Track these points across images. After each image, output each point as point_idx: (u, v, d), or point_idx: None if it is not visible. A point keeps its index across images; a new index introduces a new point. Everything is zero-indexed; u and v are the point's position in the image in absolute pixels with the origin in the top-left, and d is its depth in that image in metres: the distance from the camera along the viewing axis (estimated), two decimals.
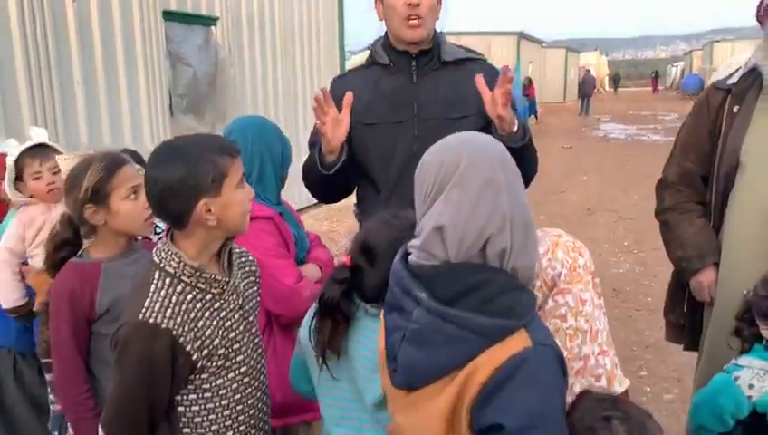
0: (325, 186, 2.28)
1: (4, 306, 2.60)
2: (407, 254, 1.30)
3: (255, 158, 2.19)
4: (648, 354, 4.41)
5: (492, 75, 2.15)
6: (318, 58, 9.27)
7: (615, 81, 51.43)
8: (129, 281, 1.69)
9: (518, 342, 1.13)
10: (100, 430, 1.58)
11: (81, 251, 1.97)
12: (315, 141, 2.27)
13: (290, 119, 8.35)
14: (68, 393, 1.88)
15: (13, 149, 2.57)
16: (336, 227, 7.95)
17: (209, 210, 1.49)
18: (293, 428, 2.26)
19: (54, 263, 1.98)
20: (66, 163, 2.12)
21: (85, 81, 5.14)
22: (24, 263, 2.62)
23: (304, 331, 1.60)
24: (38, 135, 2.58)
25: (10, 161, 2.52)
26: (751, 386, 1.85)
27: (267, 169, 2.22)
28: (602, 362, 1.56)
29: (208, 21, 6.90)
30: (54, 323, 1.87)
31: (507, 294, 1.17)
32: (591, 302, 1.56)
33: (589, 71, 31.17)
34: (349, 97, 2.12)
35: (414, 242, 1.28)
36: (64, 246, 1.98)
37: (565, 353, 1.53)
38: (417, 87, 2.23)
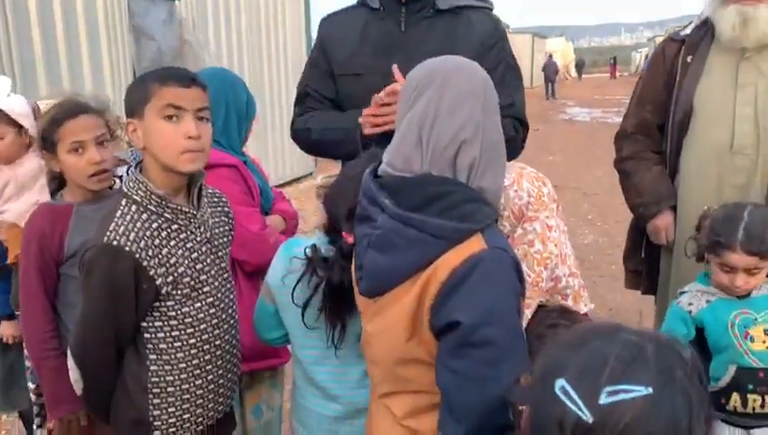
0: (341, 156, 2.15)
1: None
2: (376, 168, 1.33)
3: (220, 106, 2.16)
4: (609, 316, 4.53)
5: (491, 26, 2.06)
6: (284, 34, 9.21)
7: (579, 67, 51.89)
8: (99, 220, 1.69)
9: (475, 244, 1.17)
10: (69, 357, 1.60)
11: (57, 194, 1.98)
12: (308, 92, 2.19)
13: (257, 97, 8.28)
14: (32, 332, 1.89)
15: None
16: (305, 204, 7.95)
17: (134, 130, 1.53)
18: (259, 373, 2.28)
19: (52, 193, 1.99)
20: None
21: (46, 57, 5.04)
22: None
23: (278, 285, 1.64)
24: (2, 84, 2.54)
25: None
26: (690, 304, 1.97)
27: (232, 118, 2.21)
28: (572, 284, 1.63)
29: None
30: (23, 262, 1.89)
31: (469, 203, 1.21)
32: (557, 227, 1.62)
33: (551, 56, 31.49)
34: (376, 99, 1.90)
35: (388, 148, 1.31)
36: (54, 179, 1.98)
37: (532, 276, 1.60)
38: (405, 36, 2.05)
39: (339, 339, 1.57)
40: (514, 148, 2.02)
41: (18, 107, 2.49)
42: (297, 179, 9.40)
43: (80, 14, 5.36)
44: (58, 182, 2.00)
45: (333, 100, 2.16)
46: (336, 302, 1.55)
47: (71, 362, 1.61)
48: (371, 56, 2.05)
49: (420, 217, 1.18)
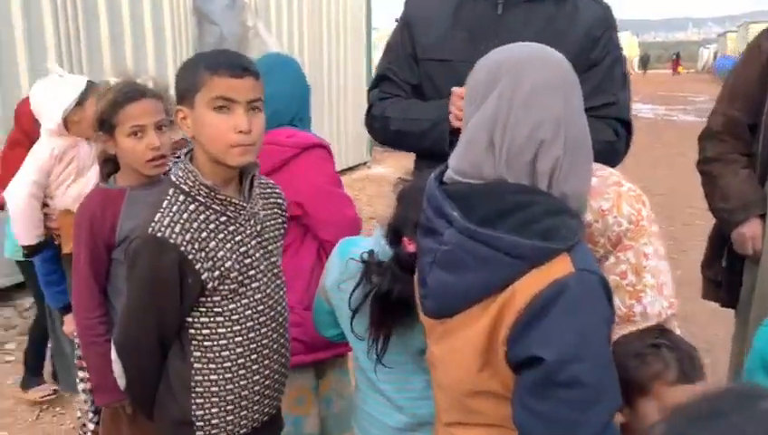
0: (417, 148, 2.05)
1: (24, 242, 2.55)
2: (442, 172, 1.20)
3: (295, 92, 2.09)
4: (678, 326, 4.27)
5: (600, 13, 1.87)
6: (345, 21, 9.12)
7: (644, 62, 50.22)
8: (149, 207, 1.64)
9: (560, 266, 1.02)
10: (112, 349, 1.54)
11: (110, 177, 1.95)
12: (388, 76, 2.06)
13: (316, 85, 8.24)
14: (80, 316, 1.86)
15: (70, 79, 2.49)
16: (359, 194, 7.88)
17: (184, 118, 1.45)
18: (326, 362, 2.17)
19: (104, 177, 1.97)
20: None
21: (112, 36, 5.08)
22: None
23: (333, 287, 1.54)
24: (57, 68, 2.53)
25: (76, 86, 2.43)
26: None
27: (305, 104, 2.13)
28: (668, 314, 1.44)
29: None
30: (75, 245, 1.86)
31: (552, 216, 1.05)
32: (655, 253, 1.45)
33: None
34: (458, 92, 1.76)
35: (453, 153, 1.18)
36: (108, 161, 1.95)
37: (623, 310, 1.43)
38: (501, 20, 1.85)
39: (381, 352, 1.44)
40: (615, 153, 1.86)
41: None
42: (351, 168, 9.32)
43: None
44: (112, 165, 1.96)
45: (416, 86, 2.00)
46: (383, 312, 1.42)
47: (114, 356, 1.55)
48: (463, 41, 1.87)
49: (494, 232, 1.04)
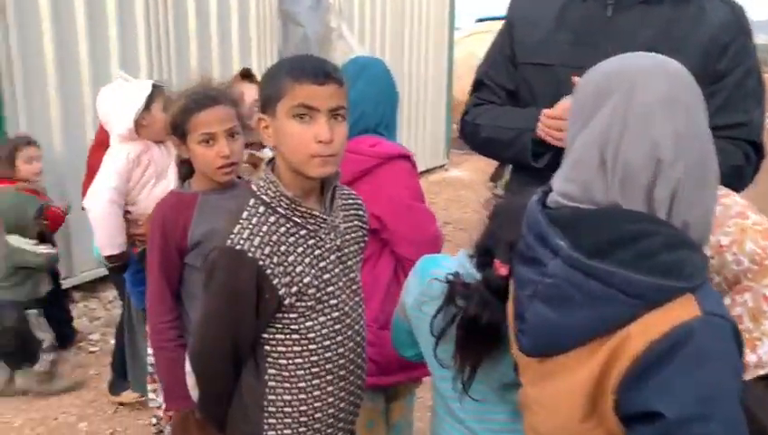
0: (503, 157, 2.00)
1: (107, 252, 2.54)
2: (545, 194, 1.08)
3: (381, 97, 2.03)
4: None
5: (729, 17, 1.68)
6: (428, 23, 9.02)
7: None
8: (226, 215, 1.60)
9: (684, 309, 0.90)
10: (186, 361, 1.51)
11: (185, 181, 1.95)
12: (484, 81, 1.98)
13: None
14: (152, 320, 1.86)
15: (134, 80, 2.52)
16: (436, 198, 7.77)
17: (266, 127, 1.40)
18: (401, 387, 2.09)
19: (181, 178, 1.98)
20: None
21: (199, 35, 5.18)
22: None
23: (413, 308, 1.46)
24: (123, 73, 2.55)
25: (142, 90, 2.44)
26: None
27: (389, 109, 2.06)
28: None
29: None
30: (149, 249, 1.87)
31: (674, 250, 0.93)
32: None
33: None
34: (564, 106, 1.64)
35: (558, 173, 1.06)
36: (183, 164, 1.95)
37: None
38: (611, 23, 1.70)
39: (468, 383, 1.34)
40: (742, 178, 1.69)
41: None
42: (428, 171, 9.21)
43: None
44: (187, 169, 1.96)
45: (512, 91, 1.90)
46: (470, 339, 1.32)
47: (188, 367, 1.52)
48: (566, 44, 1.75)
49: (608, 266, 0.92)
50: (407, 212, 1.93)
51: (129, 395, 3.29)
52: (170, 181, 2.48)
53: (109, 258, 2.55)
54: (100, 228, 2.49)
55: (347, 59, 6.12)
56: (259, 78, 5.60)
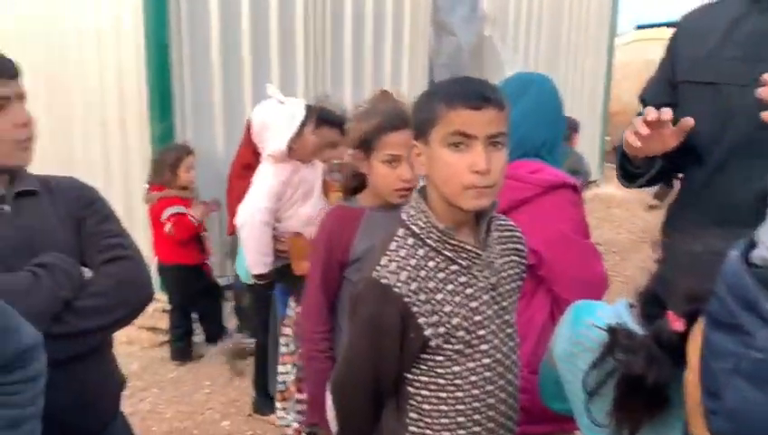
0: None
1: (256, 271, 2.59)
2: (748, 248, 0.90)
3: (542, 118, 1.89)
4: None
5: None
6: (587, 35, 8.60)
7: None
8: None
9: None
10: (327, 394, 1.47)
11: (353, 196, 1.97)
12: (643, 101, 1.85)
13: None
14: (307, 329, 1.88)
15: (287, 100, 2.55)
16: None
17: (419, 155, 1.32)
18: None
19: (347, 189, 1.99)
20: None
21: (355, 43, 5.25)
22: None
23: (563, 358, 1.31)
24: (278, 93, 2.57)
25: (295, 114, 2.48)
26: None
27: (553, 132, 1.92)
28: None
29: None
30: (312, 259, 1.89)
31: None
32: None
33: None
34: (687, 123, 1.57)
35: (766, 226, 0.88)
36: (356, 176, 1.95)
37: None
38: None
39: None
40: None
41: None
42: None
43: (388, 4, 5.47)
44: (357, 183, 1.95)
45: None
46: (631, 400, 1.14)
47: (329, 401, 1.47)
48: (733, 61, 1.60)
49: None
50: (568, 248, 1.77)
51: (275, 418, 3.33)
52: (317, 199, 2.50)
53: (257, 277, 2.59)
54: (250, 248, 2.54)
55: (501, 69, 5.98)
56: (408, 91, 5.68)
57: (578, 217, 1.83)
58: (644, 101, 1.84)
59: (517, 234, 1.49)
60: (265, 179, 2.53)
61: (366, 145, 1.82)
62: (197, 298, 4.05)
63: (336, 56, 5.16)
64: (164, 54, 4.02)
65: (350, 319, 1.38)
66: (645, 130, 1.58)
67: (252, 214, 2.49)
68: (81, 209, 1.53)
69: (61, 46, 4.42)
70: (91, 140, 4.46)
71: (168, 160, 3.71)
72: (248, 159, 3.03)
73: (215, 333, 4.23)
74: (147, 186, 3.82)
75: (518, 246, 1.48)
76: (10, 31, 4.52)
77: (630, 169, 1.80)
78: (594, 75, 8.77)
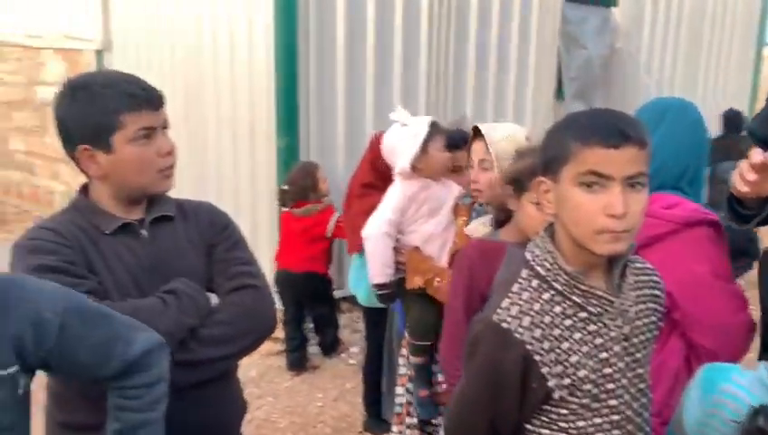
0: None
1: (375, 281, 2.62)
2: None
3: (683, 148, 1.76)
4: None
5: None
6: (728, 54, 7.97)
7: None
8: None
9: None
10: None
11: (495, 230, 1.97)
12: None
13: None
14: (447, 356, 1.90)
15: (412, 120, 2.55)
16: None
17: (546, 192, 1.22)
18: None
19: (497, 221, 1.99)
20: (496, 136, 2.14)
21: (477, 58, 5.17)
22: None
23: (695, 431, 1.20)
24: (404, 115, 2.54)
25: (418, 133, 2.49)
26: None
27: (694, 162, 1.77)
28: None
29: (609, 1, 6.43)
30: (452, 289, 1.91)
31: None
32: None
33: None
34: None
35: None
36: (501, 212, 1.95)
37: None
38: None
39: None
40: None
41: None
42: None
43: (515, 19, 5.36)
44: (503, 216, 1.95)
45: None
46: None
47: None
48: None
49: None
50: (707, 291, 1.61)
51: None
52: (443, 218, 2.47)
53: (378, 286, 2.62)
54: (373, 258, 2.57)
55: (633, 84, 5.67)
56: (533, 106, 5.53)
57: (717, 257, 1.66)
58: (755, 134, 1.65)
59: (655, 278, 1.36)
60: (393, 194, 2.56)
61: (518, 184, 1.79)
62: (316, 306, 4.15)
63: (458, 77, 5.08)
64: (292, 77, 4.17)
65: (467, 360, 1.31)
66: (752, 176, 1.47)
67: (377, 225, 2.54)
68: (214, 235, 1.57)
69: (198, 62, 4.70)
70: (224, 153, 4.69)
71: (310, 180, 3.96)
72: (368, 178, 3.06)
73: (330, 344, 4.28)
74: (284, 207, 4.02)
75: (655, 292, 1.35)
76: (162, 48, 4.85)
77: (742, 211, 1.63)
78: (736, 93, 8.10)
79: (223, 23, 4.52)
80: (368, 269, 2.63)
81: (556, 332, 1.21)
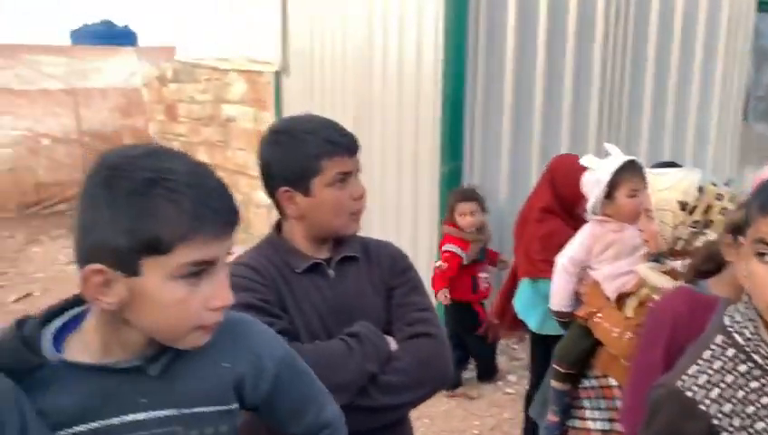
0: None
1: (554, 308, 2.66)
2: None
3: None
4: None
5: None
6: None
7: None
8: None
9: None
10: None
11: (697, 281, 1.80)
12: None
13: None
14: (632, 405, 1.72)
15: (605, 160, 2.46)
16: None
17: (739, 254, 1.15)
18: None
19: (696, 272, 1.82)
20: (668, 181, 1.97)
21: (656, 77, 4.88)
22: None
23: None
24: (615, 152, 2.43)
25: (601, 179, 2.41)
26: None
27: None
28: None
29: None
30: (647, 338, 1.74)
31: None
32: None
33: None
34: None
35: None
36: (710, 261, 1.78)
37: None
38: None
39: None
40: None
41: None
42: None
43: (699, 33, 4.99)
44: (712, 266, 1.77)
45: None
46: None
47: None
48: None
49: None
50: None
51: None
52: (633, 262, 2.35)
53: (555, 313, 2.65)
54: (554, 287, 2.62)
55: None
56: (717, 131, 5.08)
57: None
58: None
59: None
60: (582, 231, 2.57)
61: (739, 232, 1.64)
62: (465, 335, 4.10)
63: (633, 108, 4.83)
64: (459, 103, 4.19)
65: (646, 424, 1.22)
66: None
67: (561, 260, 2.59)
68: (394, 278, 1.59)
69: (367, 88, 4.87)
70: (388, 174, 4.80)
71: (450, 203, 3.95)
72: (547, 202, 3.03)
73: (486, 371, 4.23)
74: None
75: None
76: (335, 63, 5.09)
77: None
78: None
79: (392, 51, 4.65)
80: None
81: (750, 409, 1.10)
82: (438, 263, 3.90)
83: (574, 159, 2.97)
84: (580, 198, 2.63)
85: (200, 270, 0.94)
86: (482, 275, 4.01)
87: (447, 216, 3.97)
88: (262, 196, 6.18)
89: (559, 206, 2.92)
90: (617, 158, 2.39)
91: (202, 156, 8.26)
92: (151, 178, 0.90)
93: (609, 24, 4.55)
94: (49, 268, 6.79)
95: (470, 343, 4.15)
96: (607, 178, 2.36)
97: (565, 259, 2.57)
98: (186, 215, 0.90)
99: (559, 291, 2.60)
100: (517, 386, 4.13)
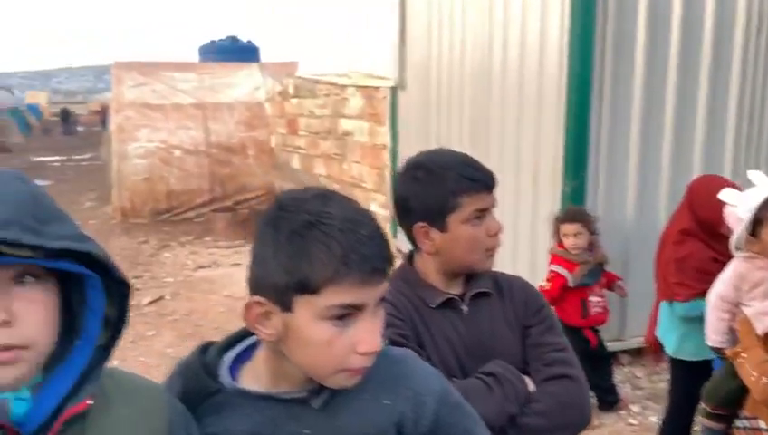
0: None
1: (708, 344, 2.62)
2: None
3: None
4: None
5: None
6: None
7: None
8: None
9: None
10: None
11: None
12: None
13: None
14: None
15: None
16: None
17: None
18: None
19: None
20: None
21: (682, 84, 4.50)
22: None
23: None
24: (759, 181, 2.27)
25: (742, 217, 2.31)
26: None
27: None
28: None
29: None
30: None
31: None
32: None
33: None
34: None
35: None
36: None
37: None
38: None
39: None
40: None
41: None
42: None
43: None
44: None
45: None
46: None
47: None
48: None
49: None
50: None
51: None
52: None
53: (712, 349, 2.62)
54: (707, 322, 2.60)
55: None
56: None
57: None
58: None
59: None
60: (729, 267, 2.50)
61: None
62: (585, 361, 3.93)
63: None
64: (584, 121, 4.05)
65: None
66: None
67: (711, 294, 2.56)
68: (528, 316, 1.55)
69: (485, 104, 4.81)
70: (506, 193, 4.72)
71: (555, 223, 3.85)
72: (686, 225, 2.93)
73: (606, 400, 4.04)
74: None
75: None
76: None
77: None
78: None
79: (513, 66, 4.56)
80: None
81: None
82: (542, 283, 3.78)
83: (713, 180, 2.89)
84: (720, 220, 2.55)
85: (348, 313, 0.95)
86: (593, 298, 3.83)
87: (555, 236, 3.88)
88: (375, 208, 6.32)
89: (698, 227, 2.83)
90: (759, 189, 2.22)
91: (319, 168, 8.52)
92: (310, 221, 0.94)
93: (749, 32, 4.25)
94: (178, 273, 7.22)
95: (587, 370, 3.98)
96: (749, 216, 2.22)
97: (715, 296, 2.52)
98: (334, 258, 0.92)
99: (711, 327, 2.56)
100: (640, 417, 3.92)
